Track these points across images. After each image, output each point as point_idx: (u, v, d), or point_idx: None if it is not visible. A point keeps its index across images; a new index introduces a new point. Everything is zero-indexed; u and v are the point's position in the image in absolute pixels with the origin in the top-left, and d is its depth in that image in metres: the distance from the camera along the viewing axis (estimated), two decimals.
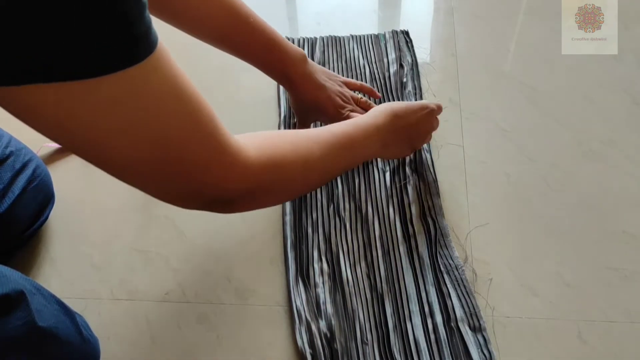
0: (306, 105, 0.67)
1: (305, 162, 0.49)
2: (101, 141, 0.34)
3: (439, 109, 0.65)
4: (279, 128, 0.75)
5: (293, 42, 0.84)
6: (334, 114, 0.66)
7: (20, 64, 0.27)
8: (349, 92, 0.69)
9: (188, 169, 0.39)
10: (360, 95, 0.70)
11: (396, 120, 0.59)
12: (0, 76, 0.28)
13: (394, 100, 0.76)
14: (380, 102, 0.74)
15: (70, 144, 0.34)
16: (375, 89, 0.74)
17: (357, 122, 0.57)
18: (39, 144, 0.75)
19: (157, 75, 0.33)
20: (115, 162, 0.36)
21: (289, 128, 0.75)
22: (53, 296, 0.50)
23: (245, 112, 0.78)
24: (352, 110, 0.67)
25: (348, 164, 0.57)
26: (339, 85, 0.69)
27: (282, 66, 0.64)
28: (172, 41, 0.93)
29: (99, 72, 0.29)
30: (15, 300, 0.43)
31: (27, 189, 0.61)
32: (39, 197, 0.64)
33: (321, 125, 0.74)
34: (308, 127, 0.70)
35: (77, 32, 0.27)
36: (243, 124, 0.77)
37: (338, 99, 0.67)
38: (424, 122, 0.63)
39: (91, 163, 0.36)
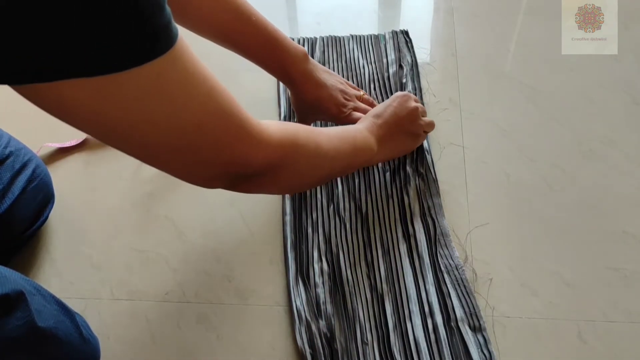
0: (308, 103, 0.67)
1: (317, 147, 0.52)
2: (133, 132, 0.35)
3: (429, 123, 0.68)
4: None
5: None
6: (336, 112, 0.66)
7: (52, 61, 0.29)
8: (352, 90, 0.70)
9: (216, 151, 0.42)
10: (362, 92, 0.71)
11: (376, 119, 0.62)
12: (32, 73, 0.29)
13: None
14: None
15: (102, 136, 0.36)
16: (374, 93, 0.74)
17: (349, 127, 0.60)
18: (38, 144, 0.75)
19: (180, 65, 0.35)
20: (147, 150, 0.39)
21: None
22: (53, 296, 0.50)
23: (245, 110, 0.78)
24: (354, 109, 0.67)
25: (350, 160, 0.58)
26: (341, 83, 0.69)
27: (283, 64, 0.64)
28: None
29: (127, 66, 0.31)
30: (15, 300, 0.43)
31: (27, 189, 0.61)
32: (39, 197, 0.64)
33: (322, 125, 0.74)
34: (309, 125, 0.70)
35: (106, 29, 0.28)
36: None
37: (340, 96, 0.67)
38: (401, 107, 0.64)
39: (124, 152, 0.38)
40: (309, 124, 0.70)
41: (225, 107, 0.40)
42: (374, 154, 0.61)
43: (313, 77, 0.66)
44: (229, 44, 0.64)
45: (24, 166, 0.62)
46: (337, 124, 0.68)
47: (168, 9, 0.32)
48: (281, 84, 0.79)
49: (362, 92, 0.71)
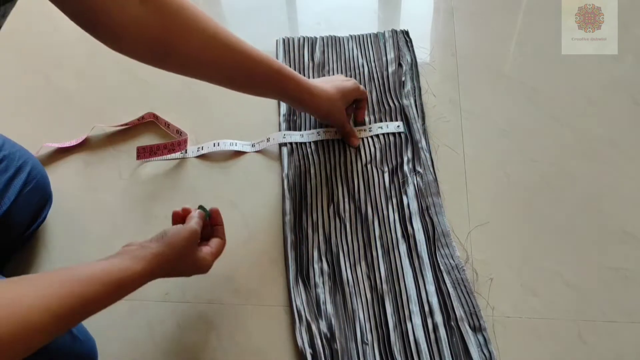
0: (322, 117, 0.72)
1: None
2: None
3: (217, 247, 0.57)
4: (279, 127, 0.75)
5: (293, 42, 0.84)
6: (344, 122, 0.71)
7: None
8: (351, 82, 0.71)
9: None
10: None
11: (168, 265, 0.50)
12: None
13: (392, 99, 0.76)
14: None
15: None
16: (374, 93, 0.75)
17: (121, 276, 0.46)
18: (36, 145, 0.75)
19: None
20: None
21: (289, 126, 0.75)
22: None
23: (245, 111, 0.78)
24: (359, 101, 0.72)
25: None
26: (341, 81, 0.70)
27: (288, 90, 0.63)
28: None
29: None
30: None
31: (23, 193, 0.61)
32: (36, 199, 0.64)
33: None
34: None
35: None
36: (243, 122, 0.77)
37: (343, 104, 0.69)
38: (182, 256, 0.52)
39: None
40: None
41: None
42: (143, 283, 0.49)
43: (320, 90, 0.66)
44: (236, 87, 0.62)
45: (19, 170, 0.61)
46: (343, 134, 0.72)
47: None
48: None
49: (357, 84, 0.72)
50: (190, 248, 0.52)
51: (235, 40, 0.57)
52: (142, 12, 0.49)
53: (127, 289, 0.46)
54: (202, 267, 0.54)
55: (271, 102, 0.79)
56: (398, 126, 0.72)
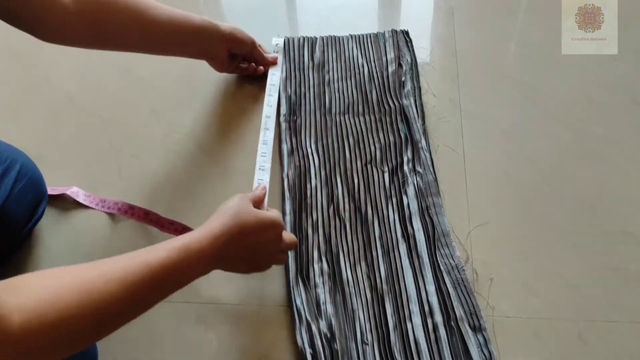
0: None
1: (97, 311, 0.40)
2: None
3: (292, 243, 0.57)
4: (280, 126, 0.75)
5: (293, 42, 0.84)
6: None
7: None
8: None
9: None
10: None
11: (241, 241, 0.51)
12: None
13: (392, 99, 0.76)
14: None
15: None
16: (374, 93, 0.75)
17: (187, 243, 0.47)
18: (36, 146, 0.75)
19: None
20: None
21: (290, 126, 0.75)
22: None
23: (245, 110, 0.78)
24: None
25: (165, 294, 0.47)
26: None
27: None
28: None
29: None
30: None
31: (14, 191, 0.61)
32: (29, 197, 0.63)
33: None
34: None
35: None
36: (244, 122, 0.77)
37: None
38: (271, 243, 0.55)
39: None
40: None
41: None
42: (199, 276, 0.50)
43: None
44: (155, 49, 0.69)
45: (7, 169, 0.61)
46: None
47: None
48: (281, 83, 0.79)
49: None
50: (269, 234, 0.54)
51: (156, 12, 0.64)
52: (73, 13, 0.57)
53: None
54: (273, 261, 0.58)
55: None
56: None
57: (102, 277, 0.42)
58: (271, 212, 0.55)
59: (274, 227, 0.54)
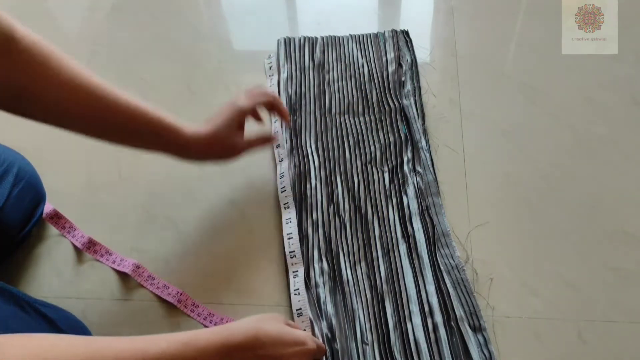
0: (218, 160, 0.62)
1: None
2: None
3: (320, 351, 0.53)
4: (281, 126, 0.75)
5: (293, 42, 0.84)
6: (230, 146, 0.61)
7: None
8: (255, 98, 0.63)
9: None
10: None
11: (256, 349, 0.45)
12: None
13: (392, 99, 0.76)
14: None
15: None
16: (374, 92, 0.74)
17: (193, 338, 0.43)
18: (36, 147, 0.75)
19: None
20: None
21: (290, 126, 0.75)
22: (14, 295, 0.48)
23: None
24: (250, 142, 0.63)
25: None
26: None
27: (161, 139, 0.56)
28: (173, 40, 0.93)
29: None
30: None
31: (12, 194, 0.60)
32: (27, 199, 0.63)
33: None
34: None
35: None
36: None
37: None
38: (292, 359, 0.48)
39: None
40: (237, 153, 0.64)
41: None
42: None
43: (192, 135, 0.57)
44: (97, 135, 0.54)
45: (5, 172, 0.61)
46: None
47: None
48: (281, 83, 0.79)
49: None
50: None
51: (106, 92, 0.52)
52: None
53: None
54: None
55: None
56: None
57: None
58: (300, 332, 0.51)
59: (297, 344, 0.48)
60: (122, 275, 0.64)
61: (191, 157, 0.60)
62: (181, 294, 0.61)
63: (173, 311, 0.61)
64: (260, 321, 0.48)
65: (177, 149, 0.58)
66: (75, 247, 0.66)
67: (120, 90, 0.53)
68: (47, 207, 0.69)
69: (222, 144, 0.61)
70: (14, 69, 0.46)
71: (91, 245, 0.66)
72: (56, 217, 0.68)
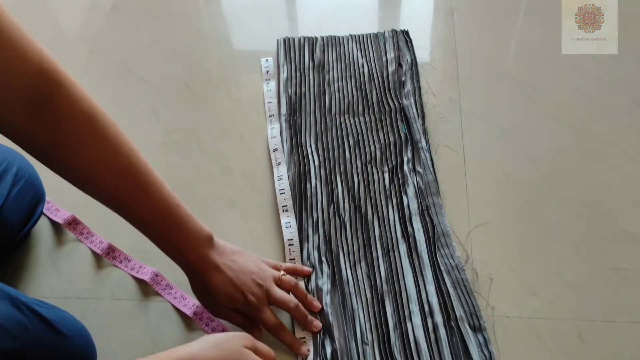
0: (205, 291, 0.55)
1: None
2: None
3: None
4: (281, 126, 0.75)
5: (293, 42, 0.84)
6: (242, 300, 0.54)
7: None
8: (268, 271, 0.56)
9: None
10: (282, 272, 0.58)
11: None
12: None
13: (392, 99, 0.76)
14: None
15: None
16: (374, 92, 0.74)
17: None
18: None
19: None
20: None
21: (290, 126, 0.75)
22: (7, 294, 0.48)
23: (245, 110, 0.78)
24: (268, 296, 0.55)
25: None
26: (255, 263, 0.56)
27: (179, 245, 0.52)
28: (173, 40, 0.93)
29: None
30: None
31: (11, 194, 0.60)
32: (27, 199, 0.63)
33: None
34: (226, 316, 0.56)
35: None
36: (244, 122, 0.77)
37: (249, 282, 0.54)
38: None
39: None
40: (219, 316, 0.57)
41: None
42: None
43: (211, 260, 0.53)
44: (119, 211, 0.52)
45: (4, 172, 0.60)
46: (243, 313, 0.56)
47: None
48: (282, 83, 0.79)
49: (281, 273, 0.58)
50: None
51: (142, 172, 0.49)
52: (28, 119, 0.44)
53: None
54: None
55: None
56: None
57: None
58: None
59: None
60: (122, 275, 0.64)
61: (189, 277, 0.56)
62: (197, 307, 0.59)
63: (172, 313, 0.61)
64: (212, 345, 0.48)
65: (182, 267, 0.55)
66: (93, 252, 0.66)
67: (166, 186, 0.50)
68: (65, 214, 0.68)
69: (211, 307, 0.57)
70: (50, 131, 0.44)
71: (110, 251, 0.65)
72: (74, 223, 0.68)
